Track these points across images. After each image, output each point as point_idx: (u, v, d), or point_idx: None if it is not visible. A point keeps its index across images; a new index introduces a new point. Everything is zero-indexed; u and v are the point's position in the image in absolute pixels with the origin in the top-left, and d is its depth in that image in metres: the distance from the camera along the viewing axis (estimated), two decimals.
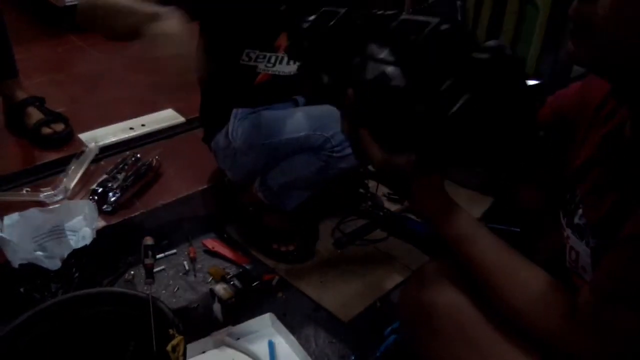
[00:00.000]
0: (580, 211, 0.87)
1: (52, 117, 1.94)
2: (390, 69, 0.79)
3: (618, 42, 0.69)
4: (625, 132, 0.82)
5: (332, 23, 0.85)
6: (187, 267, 1.61)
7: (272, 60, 1.47)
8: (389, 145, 0.84)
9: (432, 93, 0.75)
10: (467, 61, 0.75)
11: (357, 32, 0.84)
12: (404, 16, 0.78)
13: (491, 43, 0.76)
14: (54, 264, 1.36)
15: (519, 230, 1.36)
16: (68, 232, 1.50)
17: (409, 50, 0.76)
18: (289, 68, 1.49)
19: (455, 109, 0.74)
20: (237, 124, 1.51)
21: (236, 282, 1.51)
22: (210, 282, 1.56)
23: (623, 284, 0.71)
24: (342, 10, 0.85)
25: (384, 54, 0.82)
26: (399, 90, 0.78)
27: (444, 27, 0.74)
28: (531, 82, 0.79)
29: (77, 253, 1.41)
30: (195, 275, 1.59)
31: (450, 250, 0.89)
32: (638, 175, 0.75)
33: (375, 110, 0.84)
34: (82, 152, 1.82)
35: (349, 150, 1.43)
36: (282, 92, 1.56)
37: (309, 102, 1.58)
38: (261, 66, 1.48)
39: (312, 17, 0.88)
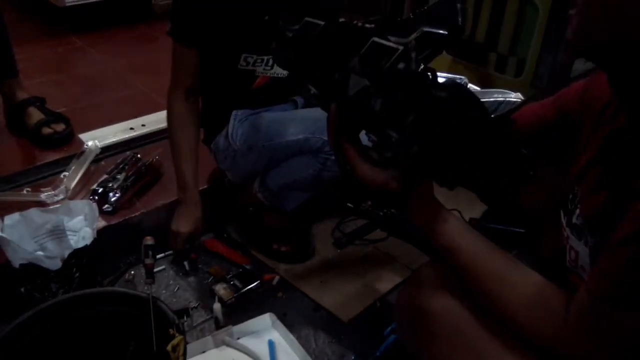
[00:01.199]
0: (577, 211, 0.87)
1: (53, 117, 1.94)
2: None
3: (597, 21, 0.70)
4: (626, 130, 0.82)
5: (313, 36, 0.84)
6: (187, 267, 1.61)
7: (270, 63, 1.48)
8: (373, 160, 0.83)
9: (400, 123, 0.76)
10: (427, 98, 0.75)
11: (339, 44, 0.83)
12: (374, 39, 0.77)
13: (448, 82, 0.76)
14: (55, 264, 1.36)
15: (521, 230, 1.36)
16: (68, 232, 1.50)
17: (379, 77, 0.76)
18: None
19: (413, 150, 0.74)
20: (237, 126, 1.52)
21: (236, 282, 1.51)
22: (210, 282, 1.56)
23: (619, 285, 0.71)
24: (322, 23, 0.84)
25: None
26: (375, 112, 0.77)
27: (402, 65, 0.73)
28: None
29: (77, 253, 1.40)
30: (195, 275, 1.59)
31: (443, 260, 0.89)
32: (633, 173, 0.75)
33: (358, 125, 0.84)
34: (83, 152, 1.82)
35: None
36: (281, 93, 1.56)
37: (308, 104, 1.58)
38: (259, 69, 1.49)
39: (295, 27, 0.87)
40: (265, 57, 1.47)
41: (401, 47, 0.73)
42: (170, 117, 1.53)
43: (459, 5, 0.78)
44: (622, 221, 0.72)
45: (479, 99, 0.77)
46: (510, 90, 1.89)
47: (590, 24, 0.71)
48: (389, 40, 0.76)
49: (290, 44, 0.87)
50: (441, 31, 0.79)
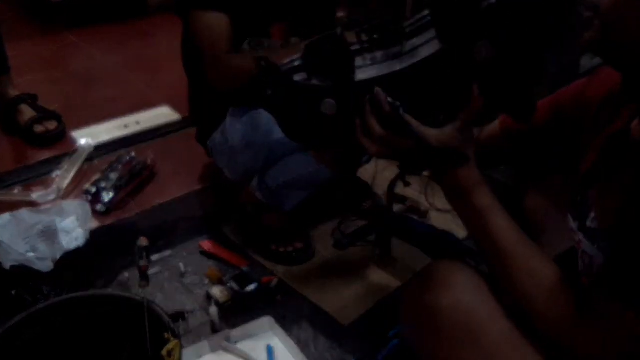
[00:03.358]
0: (592, 214, 0.87)
1: (45, 114, 1.93)
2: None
3: (623, 28, 0.72)
4: (633, 131, 0.83)
5: (332, 47, 0.87)
6: (182, 269, 1.58)
7: (265, 45, 1.44)
8: (435, 119, 0.87)
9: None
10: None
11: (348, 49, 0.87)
12: None
13: None
14: (46, 266, 1.35)
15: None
16: (61, 233, 1.48)
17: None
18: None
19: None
20: (234, 122, 1.49)
21: (233, 285, 1.49)
22: (207, 284, 1.53)
23: (627, 284, 0.72)
24: (332, 34, 0.87)
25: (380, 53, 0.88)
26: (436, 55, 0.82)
27: None
28: None
29: (69, 254, 1.40)
30: (191, 278, 1.56)
31: (471, 222, 0.90)
32: None
33: (415, 84, 0.87)
34: (76, 150, 1.82)
35: None
36: None
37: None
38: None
39: (297, 62, 0.89)
40: (266, 42, 1.44)
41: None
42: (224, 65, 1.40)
43: None
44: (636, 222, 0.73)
45: None
46: None
47: (617, 32, 0.73)
48: None
49: (304, 66, 0.89)
50: None
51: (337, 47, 0.87)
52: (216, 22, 1.36)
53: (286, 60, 0.90)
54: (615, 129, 0.87)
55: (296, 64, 0.90)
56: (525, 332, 0.84)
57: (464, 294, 0.90)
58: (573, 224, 0.93)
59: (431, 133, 0.85)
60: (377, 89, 0.85)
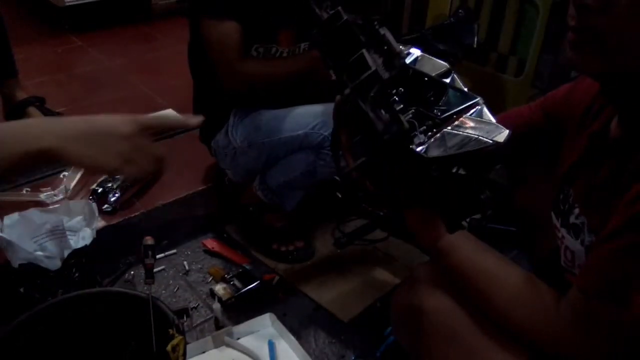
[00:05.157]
0: (576, 210, 0.87)
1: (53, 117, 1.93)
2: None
3: (632, 48, 0.70)
4: (612, 131, 0.84)
5: (337, 24, 0.86)
6: (186, 267, 1.61)
7: (273, 51, 1.48)
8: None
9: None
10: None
11: (356, 37, 0.85)
12: (363, 51, 0.82)
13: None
14: (54, 264, 1.36)
15: (515, 229, 1.37)
16: (68, 232, 1.49)
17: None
18: None
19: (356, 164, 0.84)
20: (237, 123, 1.51)
21: (236, 282, 1.51)
22: (210, 282, 1.56)
23: (606, 280, 0.72)
24: (345, 17, 0.86)
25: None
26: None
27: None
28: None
29: (77, 253, 1.41)
30: (195, 276, 1.59)
31: (434, 260, 0.91)
32: (624, 174, 0.76)
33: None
34: None
35: None
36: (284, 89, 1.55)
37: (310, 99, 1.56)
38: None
39: (331, 12, 0.89)
40: (274, 48, 1.46)
41: (373, 68, 0.79)
42: (250, 72, 1.45)
43: (475, 27, 0.79)
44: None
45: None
46: (512, 89, 1.89)
47: (624, 54, 0.71)
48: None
49: (321, 27, 0.89)
50: (456, 51, 0.81)
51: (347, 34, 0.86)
52: (228, 30, 1.37)
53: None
54: (594, 130, 0.88)
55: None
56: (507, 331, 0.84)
57: (447, 295, 0.91)
58: (556, 221, 0.94)
59: (348, 162, 0.88)
60: (338, 98, 0.86)
